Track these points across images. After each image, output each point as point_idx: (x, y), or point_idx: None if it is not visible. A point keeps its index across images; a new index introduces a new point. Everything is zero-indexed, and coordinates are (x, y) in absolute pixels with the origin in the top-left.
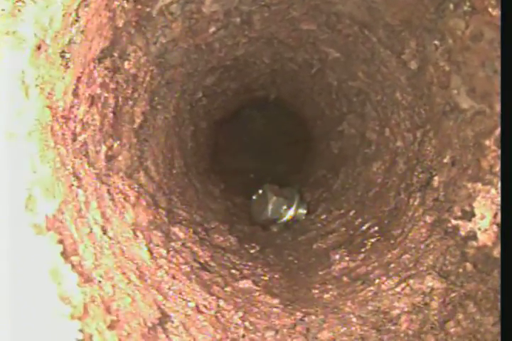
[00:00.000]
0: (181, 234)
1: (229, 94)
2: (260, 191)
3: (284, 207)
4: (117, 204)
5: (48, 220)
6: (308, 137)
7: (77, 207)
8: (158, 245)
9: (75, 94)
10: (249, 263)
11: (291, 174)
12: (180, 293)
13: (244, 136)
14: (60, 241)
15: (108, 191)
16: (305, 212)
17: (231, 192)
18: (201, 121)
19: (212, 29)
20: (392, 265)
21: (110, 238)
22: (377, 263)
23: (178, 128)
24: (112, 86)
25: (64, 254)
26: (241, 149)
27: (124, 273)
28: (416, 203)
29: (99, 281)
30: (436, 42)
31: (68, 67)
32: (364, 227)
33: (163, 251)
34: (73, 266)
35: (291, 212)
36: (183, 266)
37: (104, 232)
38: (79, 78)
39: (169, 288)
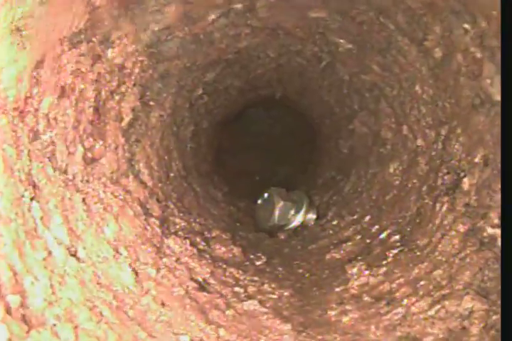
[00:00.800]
0: (176, 247)
1: (232, 93)
2: (266, 195)
3: (292, 212)
4: (94, 217)
5: None
6: (316, 137)
7: (27, 225)
8: (146, 263)
9: (35, 82)
10: (255, 278)
11: (299, 176)
12: (170, 326)
13: (249, 137)
14: None
15: (83, 200)
16: (315, 217)
17: (235, 196)
18: (202, 120)
19: (211, 17)
20: (422, 282)
21: (80, 260)
22: (403, 280)
23: (176, 127)
24: (92, 76)
25: None
26: (246, 150)
27: (93, 308)
28: (444, 209)
29: (54, 324)
30: (466, 25)
31: (24, 47)
32: (382, 235)
33: (152, 271)
34: (8, 311)
35: (299, 218)
36: (175, 289)
37: (72, 254)
38: (40, 63)
39: (156, 320)
